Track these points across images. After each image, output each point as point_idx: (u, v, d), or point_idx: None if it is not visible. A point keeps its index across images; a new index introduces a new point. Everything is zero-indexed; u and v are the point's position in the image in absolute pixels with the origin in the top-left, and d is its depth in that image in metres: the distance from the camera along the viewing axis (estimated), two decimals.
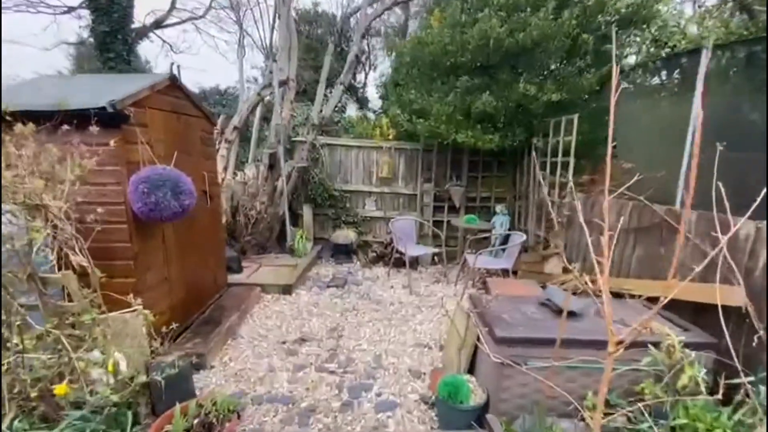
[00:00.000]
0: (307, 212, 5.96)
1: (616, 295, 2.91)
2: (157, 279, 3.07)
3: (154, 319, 2.66)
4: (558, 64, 4.87)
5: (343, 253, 5.77)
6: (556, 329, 1.82)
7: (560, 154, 4.51)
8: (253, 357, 3.23)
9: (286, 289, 4.51)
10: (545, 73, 4.88)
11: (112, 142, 2.63)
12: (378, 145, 5.88)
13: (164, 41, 13.67)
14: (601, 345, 1.75)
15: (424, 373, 2.96)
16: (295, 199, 6.07)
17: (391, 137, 7.23)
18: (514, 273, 4.84)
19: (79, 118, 2.52)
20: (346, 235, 5.69)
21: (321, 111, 6.50)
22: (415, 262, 5.57)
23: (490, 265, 4.42)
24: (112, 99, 2.57)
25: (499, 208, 5.75)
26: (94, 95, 2.64)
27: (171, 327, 2.66)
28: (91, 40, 10.97)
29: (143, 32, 12.58)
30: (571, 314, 2.35)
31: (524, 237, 4.23)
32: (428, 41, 4.85)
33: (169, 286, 3.22)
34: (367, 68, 14.66)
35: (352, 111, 11.13)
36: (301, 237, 5.60)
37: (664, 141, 3.85)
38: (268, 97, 6.39)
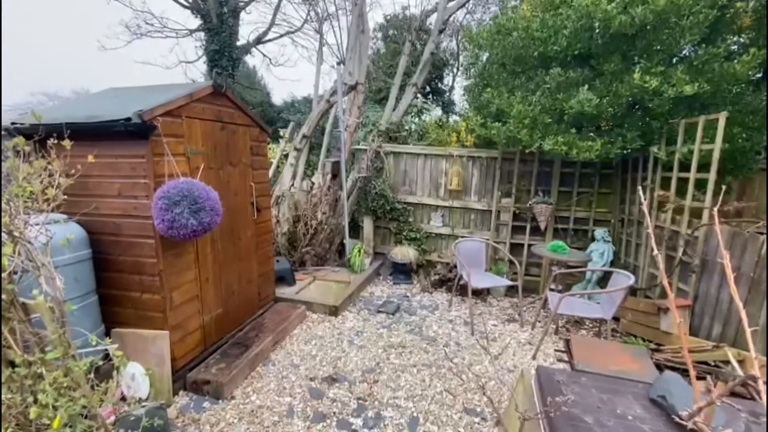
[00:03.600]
0: (367, 225, 5.56)
1: None
2: (187, 297, 2.92)
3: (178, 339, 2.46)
4: (695, 46, 3.60)
5: (402, 272, 5.21)
6: None
7: (693, 169, 3.28)
8: (276, 392, 2.88)
9: (333, 311, 4.14)
10: (673, 59, 3.65)
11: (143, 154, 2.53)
12: (448, 153, 5.18)
13: (264, 55, 14.88)
14: None
15: None
16: (357, 210, 5.72)
17: (468, 144, 6.46)
18: (616, 320, 3.71)
19: (109, 131, 2.46)
20: (405, 253, 5.12)
21: (392, 115, 6.06)
22: (485, 292, 4.74)
23: (581, 312, 3.40)
24: (141, 109, 2.45)
25: (599, 233, 4.57)
26: (134, 106, 2.55)
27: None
28: (204, 57, 12.39)
29: (246, 48, 13.84)
30: None
31: (632, 279, 3.14)
32: (511, 27, 4.02)
33: (200, 304, 3.05)
34: (455, 70, 13.92)
35: (435, 117, 10.49)
36: (359, 251, 5.21)
37: None
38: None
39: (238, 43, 12.99)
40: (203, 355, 3.12)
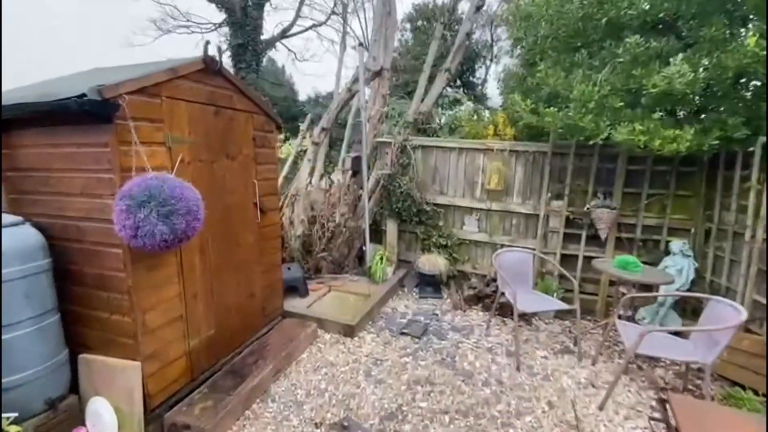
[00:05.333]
0: (390, 229, 4.91)
1: None
2: (167, 318, 2.38)
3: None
4: None
5: (429, 284, 4.52)
6: None
7: None
8: None
9: (348, 331, 3.52)
10: None
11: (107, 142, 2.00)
12: (487, 147, 4.44)
13: (289, 50, 14.55)
14: None
15: None
16: (379, 211, 5.09)
17: (508, 137, 5.67)
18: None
19: (68, 112, 1.94)
20: (433, 263, 4.43)
21: (420, 105, 5.37)
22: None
23: (670, 354, 2.60)
24: (101, 84, 1.92)
25: (676, 246, 3.69)
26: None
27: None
28: (228, 52, 12.14)
29: (271, 42, 13.52)
30: None
31: (743, 313, 2.31)
32: None
33: (185, 326, 2.51)
34: (488, 61, 13.03)
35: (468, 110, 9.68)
36: (381, 259, 4.57)
37: None
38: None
39: (263, 37, 12.69)
40: (189, 386, 2.58)
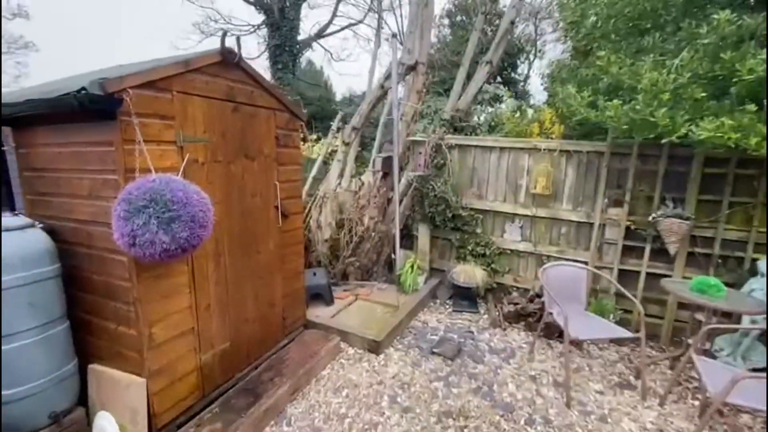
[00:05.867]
0: (423, 234, 4.56)
1: None
2: (176, 331, 2.20)
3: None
4: None
5: (465, 297, 4.13)
6: None
7: None
8: None
9: (374, 347, 3.23)
10: None
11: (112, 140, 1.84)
12: (533, 147, 3.98)
13: (326, 50, 14.55)
14: None
15: None
16: (411, 215, 4.76)
17: (555, 135, 5.16)
18: None
19: (70, 108, 1.79)
20: (470, 273, 4.03)
21: (458, 102, 4.98)
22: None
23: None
24: (103, 77, 1.75)
25: (764, 265, 3.07)
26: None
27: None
28: (266, 53, 12.30)
29: (308, 43, 13.57)
30: None
31: None
32: None
33: (197, 339, 2.33)
34: (531, 57, 12.30)
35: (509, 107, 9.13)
36: (412, 267, 4.25)
37: None
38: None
39: (299, 38, 12.74)
40: (200, 404, 2.40)
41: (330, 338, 3.24)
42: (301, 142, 3.44)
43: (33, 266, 1.91)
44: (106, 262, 2.03)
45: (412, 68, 4.79)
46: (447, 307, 4.22)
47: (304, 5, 12.38)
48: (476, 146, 4.29)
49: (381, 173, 4.66)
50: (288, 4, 11.90)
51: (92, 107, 1.69)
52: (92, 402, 2.23)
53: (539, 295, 3.82)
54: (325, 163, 6.06)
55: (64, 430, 2.05)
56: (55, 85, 2.25)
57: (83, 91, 1.67)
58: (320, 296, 3.89)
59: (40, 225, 2.10)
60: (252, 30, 13.02)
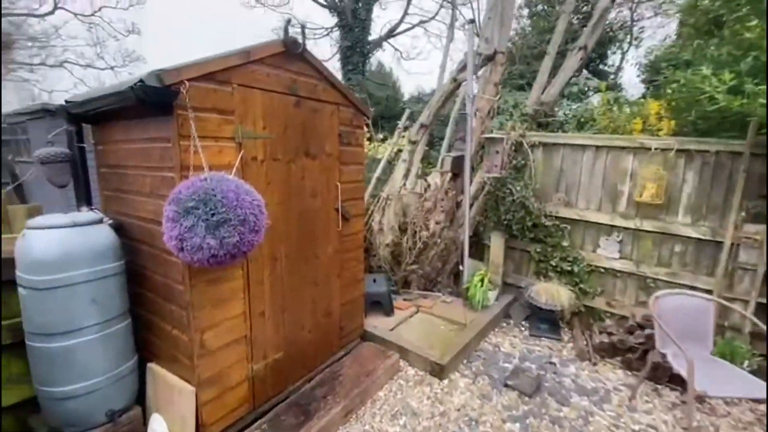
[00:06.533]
0: (496, 244, 4.07)
1: None
2: (229, 339, 2.08)
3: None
4: None
5: (545, 320, 3.56)
6: None
7: None
8: None
9: (437, 370, 2.87)
10: None
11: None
12: (639, 145, 3.29)
13: (396, 49, 14.41)
14: None
15: None
16: (482, 222, 4.30)
17: (663, 133, 4.30)
18: None
19: (128, 102, 1.73)
20: (553, 293, 3.46)
21: (542, 95, 4.40)
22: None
23: None
24: (162, 69, 1.65)
25: None
26: None
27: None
28: (338, 55, 12.51)
29: (378, 43, 13.54)
30: None
31: None
32: None
33: (249, 348, 2.19)
34: (625, 45, 10.87)
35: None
36: (482, 280, 3.79)
37: None
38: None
39: (370, 38, 12.75)
40: (250, 417, 2.26)
41: (388, 354, 2.95)
42: (366, 142, 3.19)
43: (97, 262, 1.89)
44: (164, 263, 1.97)
45: (490, 58, 4.31)
46: (522, 329, 3.68)
47: (376, 6, 12.35)
48: (565, 144, 3.69)
49: (450, 174, 4.26)
50: (360, 5, 11.95)
51: (148, 100, 1.60)
52: (149, 402, 2.20)
53: (641, 326, 3.12)
54: (390, 162, 5.82)
55: (119, 429, 2.03)
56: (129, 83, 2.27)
57: (140, 83, 1.58)
58: (379, 304, 3.64)
59: (109, 221, 2.12)
60: (326, 33, 13.35)
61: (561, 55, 4.85)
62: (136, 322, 2.16)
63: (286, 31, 2.17)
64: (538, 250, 3.81)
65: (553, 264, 3.70)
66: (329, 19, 12.92)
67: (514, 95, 5.75)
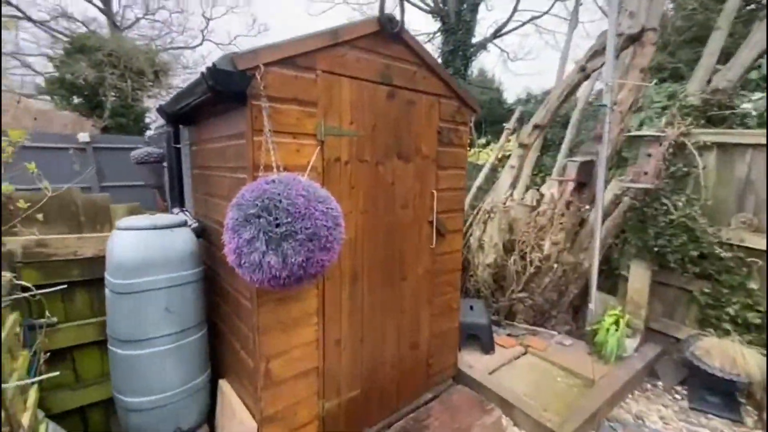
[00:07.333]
0: (638, 276, 3.10)
1: None
2: (298, 369, 1.77)
3: None
4: None
5: (715, 391, 2.51)
6: None
7: None
8: None
9: None
10: None
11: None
12: None
13: (502, 50, 13.43)
14: None
15: None
16: (617, 245, 3.36)
17: None
18: None
19: (204, 93, 1.54)
20: (730, 356, 2.40)
21: (709, 81, 3.30)
22: None
23: None
24: (238, 51, 1.42)
25: None
26: None
27: None
28: (440, 60, 12.13)
29: (482, 44, 12.76)
30: None
31: None
32: None
33: (320, 382, 1.86)
34: None
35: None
36: (617, 322, 2.90)
37: None
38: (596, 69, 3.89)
39: (474, 40, 12.08)
40: None
41: (487, 409, 2.35)
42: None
43: (174, 268, 1.76)
44: (233, 274, 1.75)
45: (636, 38, 3.39)
46: (677, 397, 2.68)
47: (482, 6, 11.66)
48: (756, 146, 2.61)
49: (573, 184, 3.45)
50: (465, 6, 11.41)
51: (218, 87, 1.36)
52: (217, 422, 2.03)
53: None
54: (494, 170, 5.14)
55: None
56: None
57: (211, 67, 1.36)
58: (476, 338, 3.05)
59: (192, 225, 2.01)
60: (428, 39, 13.12)
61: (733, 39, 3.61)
62: (210, 331, 2.01)
63: (381, 8, 1.81)
64: (706, 290, 2.76)
65: (731, 312, 2.62)
66: (431, 25, 12.69)
67: (652, 90, 4.54)
